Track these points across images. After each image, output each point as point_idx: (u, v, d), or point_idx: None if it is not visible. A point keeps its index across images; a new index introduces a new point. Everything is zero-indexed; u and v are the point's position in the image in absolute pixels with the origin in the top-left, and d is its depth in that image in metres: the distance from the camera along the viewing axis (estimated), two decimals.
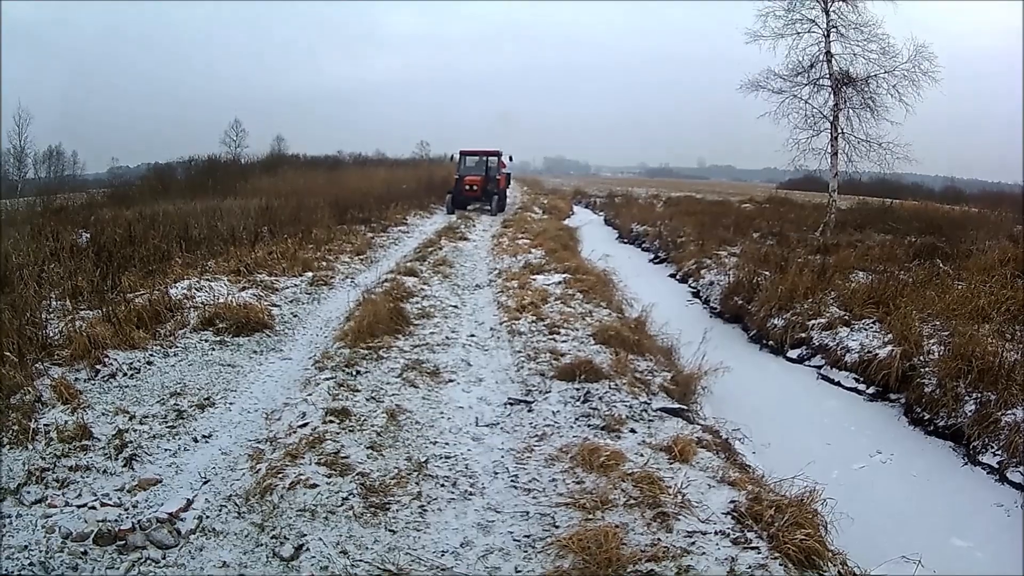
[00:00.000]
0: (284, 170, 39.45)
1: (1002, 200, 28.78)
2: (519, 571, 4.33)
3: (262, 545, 4.80)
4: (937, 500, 6.76)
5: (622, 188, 55.72)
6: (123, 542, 4.92)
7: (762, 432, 7.21)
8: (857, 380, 9.89)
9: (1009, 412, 7.57)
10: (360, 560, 4.50)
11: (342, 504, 5.11)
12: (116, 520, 5.09)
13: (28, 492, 5.47)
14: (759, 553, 4.31)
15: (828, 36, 21.62)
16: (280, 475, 5.53)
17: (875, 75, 21.23)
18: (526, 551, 4.55)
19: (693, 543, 4.40)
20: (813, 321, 11.55)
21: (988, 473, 7.29)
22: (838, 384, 10.06)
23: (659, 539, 4.43)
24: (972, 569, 4.47)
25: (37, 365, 7.66)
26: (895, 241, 18.16)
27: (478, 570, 4.38)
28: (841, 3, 21.42)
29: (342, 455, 5.83)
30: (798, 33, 21.72)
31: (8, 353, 7.55)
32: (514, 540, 4.70)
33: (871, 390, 9.56)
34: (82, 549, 4.81)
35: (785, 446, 7.04)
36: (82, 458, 6.04)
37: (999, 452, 7.33)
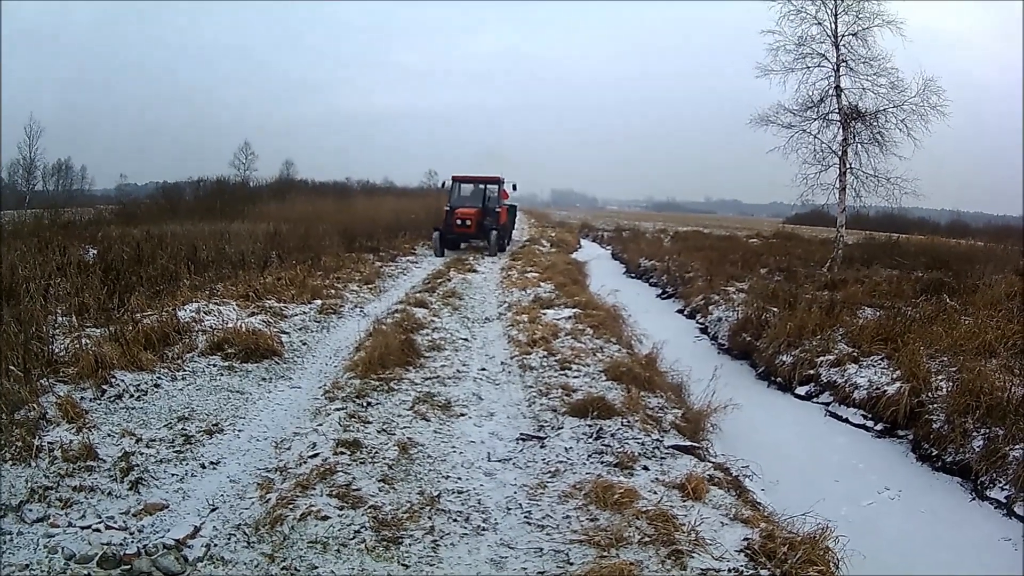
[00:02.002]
0: (292, 195, 39.88)
1: (1008, 233, 28.91)
2: None
3: None
4: (945, 535, 6.78)
5: (629, 222, 55.88)
6: (128, 567, 4.91)
7: (771, 469, 7.21)
8: (865, 417, 9.87)
9: (1017, 447, 7.58)
10: None
11: (354, 537, 5.10)
12: (121, 544, 5.11)
13: (30, 510, 5.50)
14: None
15: (838, 70, 21.81)
16: (291, 506, 5.51)
17: (884, 109, 21.38)
18: None
19: None
20: (821, 358, 11.55)
21: (996, 508, 7.31)
22: (846, 421, 10.05)
23: (673, 573, 4.45)
24: None
25: (42, 381, 7.69)
26: (902, 276, 18.23)
27: None
28: (851, 37, 21.63)
29: (354, 487, 5.83)
30: (808, 67, 21.99)
31: (12, 368, 7.57)
32: None
33: (879, 427, 9.56)
34: (85, 572, 4.82)
35: (794, 483, 7.07)
36: (86, 479, 6.07)
37: (1007, 487, 7.34)
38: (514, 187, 30.46)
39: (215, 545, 5.13)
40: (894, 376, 10.02)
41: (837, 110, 21.88)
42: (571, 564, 4.75)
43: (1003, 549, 6.52)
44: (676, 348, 11.27)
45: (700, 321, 17.30)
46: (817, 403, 10.90)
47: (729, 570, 4.58)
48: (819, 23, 21.81)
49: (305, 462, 6.39)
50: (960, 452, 8.17)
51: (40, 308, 9.86)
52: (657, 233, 41.59)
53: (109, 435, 6.92)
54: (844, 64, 21.76)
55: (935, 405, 8.98)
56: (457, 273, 19.58)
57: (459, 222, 27.23)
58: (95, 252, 16.10)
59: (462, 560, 4.91)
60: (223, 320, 11.14)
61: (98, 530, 5.31)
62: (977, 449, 7.94)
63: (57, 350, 8.66)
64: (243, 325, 10.76)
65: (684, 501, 5.65)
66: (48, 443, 6.47)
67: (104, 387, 8.10)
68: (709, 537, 5.00)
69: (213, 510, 5.68)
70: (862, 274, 19.38)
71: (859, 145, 21.74)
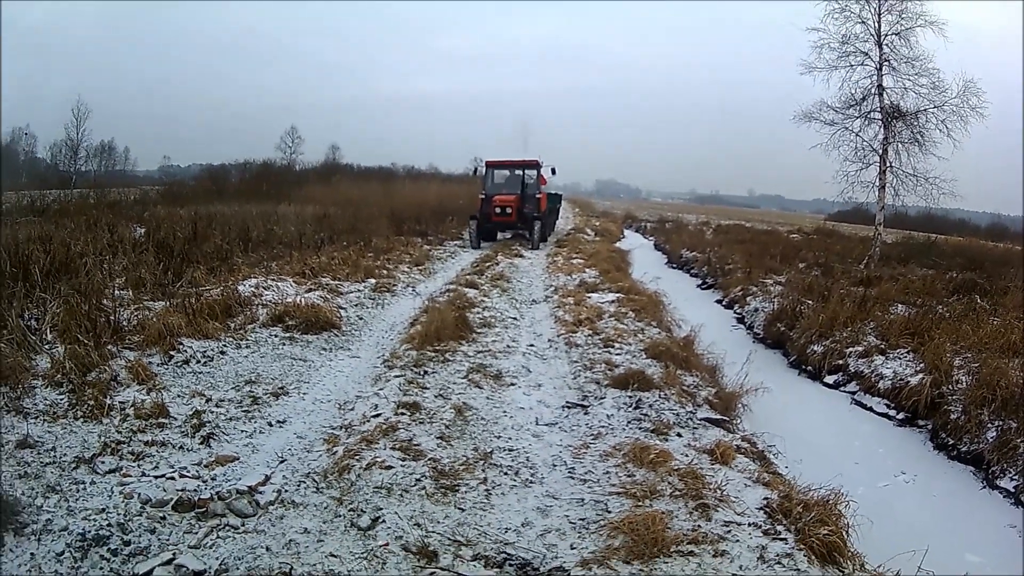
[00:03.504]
0: (338, 179, 40.33)
1: None
2: (574, 548, 4.91)
3: (340, 516, 5.25)
4: (954, 519, 7.08)
5: (672, 214, 55.71)
6: (203, 509, 5.29)
7: (795, 449, 7.58)
8: (888, 406, 10.26)
9: None
10: (432, 532, 4.98)
11: (415, 484, 5.67)
12: (195, 490, 5.50)
13: (102, 462, 5.88)
14: (786, 544, 4.90)
15: (880, 69, 21.93)
16: (357, 457, 6.08)
17: (925, 109, 21.46)
18: (580, 532, 5.14)
19: (729, 531, 5.03)
20: (851, 349, 11.95)
21: (1004, 497, 7.61)
22: (870, 409, 10.44)
23: (699, 526, 5.06)
24: None
25: (109, 347, 8.20)
26: (936, 276, 18.36)
27: (537, 547, 4.94)
28: (894, 37, 21.75)
29: (414, 443, 6.41)
30: (851, 66, 22.10)
31: (79, 336, 8.06)
32: (570, 523, 5.29)
33: (900, 416, 9.94)
34: (161, 514, 5.15)
35: (816, 462, 7.28)
36: (158, 434, 6.52)
37: (1016, 477, 7.69)
38: (553, 171, 27.84)
39: (286, 491, 5.62)
40: (918, 368, 10.39)
41: (879, 109, 22.01)
42: (609, 512, 5.35)
43: (1007, 534, 6.84)
44: (713, 334, 11.63)
45: (737, 311, 17.71)
46: (844, 392, 11.29)
47: (749, 524, 5.17)
48: (863, 22, 21.97)
49: (368, 421, 6.97)
50: (974, 442, 8.52)
51: (99, 282, 10.34)
52: (699, 225, 41.71)
53: (179, 396, 7.45)
54: (887, 63, 21.88)
55: (954, 397, 9.36)
56: (504, 258, 20.04)
57: (498, 210, 25.16)
58: (143, 231, 16.61)
59: (512, 507, 5.50)
60: (282, 295, 11.84)
61: (172, 478, 5.74)
62: (990, 440, 8.30)
63: (121, 320, 9.19)
64: (302, 300, 11.40)
65: (712, 464, 6.23)
66: (119, 402, 6.97)
67: (172, 353, 8.66)
68: (733, 495, 5.58)
69: (282, 462, 6.20)
70: (897, 272, 19.54)
71: (899, 144, 21.89)
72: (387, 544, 4.83)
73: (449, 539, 4.94)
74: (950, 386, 9.63)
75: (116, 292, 10.24)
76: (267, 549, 4.77)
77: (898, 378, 10.52)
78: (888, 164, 21.84)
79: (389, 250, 19.78)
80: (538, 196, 26.75)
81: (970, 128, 20.67)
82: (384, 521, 5.14)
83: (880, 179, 21.90)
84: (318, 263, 15.56)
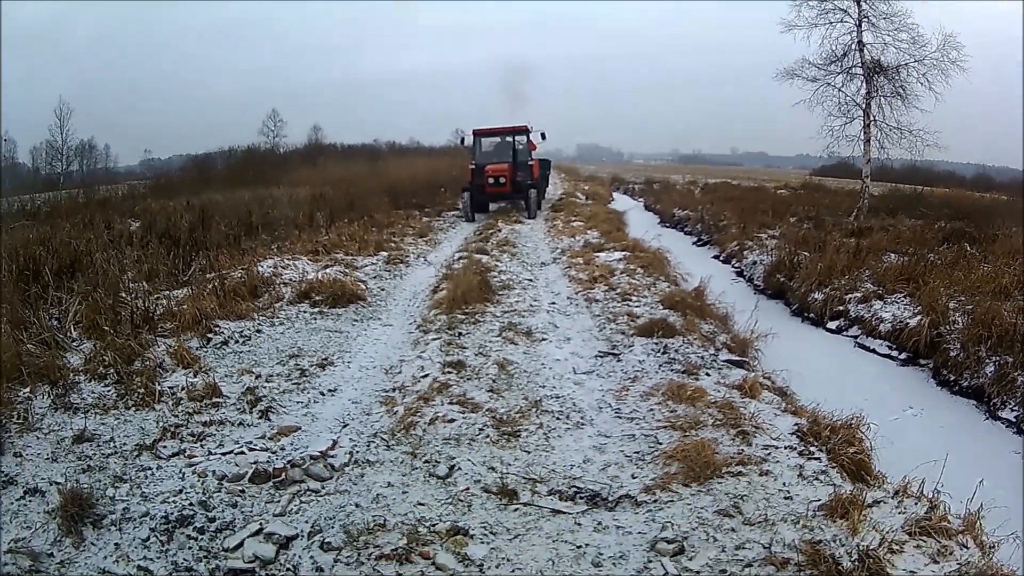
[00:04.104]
0: (323, 159, 40.06)
1: None
2: (635, 477, 5.42)
3: (417, 468, 5.61)
4: (962, 447, 7.18)
5: (658, 175, 55.76)
6: (280, 479, 5.50)
7: (807, 389, 7.89)
8: (890, 347, 10.73)
9: None
10: (507, 473, 5.41)
11: (479, 433, 6.15)
12: (267, 462, 5.71)
13: (164, 447, 6.00)
14: (820, 462, 5.47)
15: (860, 26, 22.20)
16: (418, 414, 6.52)
17: (905, 64, 21.81)
18: (637, 463, 5.65)
19: (769, 454, 5.60)
20: (850, 295, 12.43)
21: (1007, 426, 8.08)
22: (873, 351, 10.91)
23: (743, 450, 5.62)
24: (991, 499, 5.26)
25: (144, 336, 8.30)
26: (926, 226, 18.69)
27: (602, 479, 5.43)
28: None
29: (468, 397, 6.88)
30: (831, 23, 22.37)
31: (108, 328, 8.21)
32: (626, 456, 5.80)
33: (903, 356, 10.40)
34: (239, 488, 5.35)
35: (828, 400, 7.33)
36: (215, 414, 6.71)
37: (1016, 408, 8.13)
38: (543, 136, 26.19)
39: (357, 452, 5.93)
40: (915, 311, 10.84)
41: (860, 64, 22.36)
42: (660, 444, 5.89)
43: (1012, 459, 7.29)
44: (716, 288, 11.97)
45: (735, 265, 18.17)
46: (847, 336, 11.80)
47: (785, 446, 5.75)
48: None
49: (419, 381, 7.41)
50: (975, 377, 9.02)
51: (113, 275, 10.41)
52: (687, 185, 41.98)
53: (227, 375, 7.67)
54: (866, 19, 22.15)
55: (952, 336, 9.84)
56: (506, 224, 20.32)
57: (491, 180, 23.97)
58: (138, 225, 16.87)
59: (570, 447, 6.00)
60: (301, 273, 12.17)
61: (241, 453, 5.92)
62: (989, 375, 8.79)
63: (145, 308, 9.24)
64: (323, 276, 11.79)
65: (743, 398, 6.80)
66: (169, 387, 7.14)
67: (209, 336, 8.93)
68: (767, 423, 6.17)
69: (344, 427, 6.53)
70: (887, 223, 19.91)
71: (882, 98, 22.22)
72: (468, 488, 5.27)
73: (523, 478, 5.42)
74: (947, 326, 10.08)
75: (131, 285, 10.37)
76: (356, 506, 5.10)
77: (897, 321, 10.98)
78: (872, 118, 22.19)
79: (391, 224, 20.11)
80: (530, 163, 25.53)
81: (952, 81, 21.07)
82: (460, 468, 5.57)
83: (865, 133, 22.28)
84: (328, 240, 15.95)
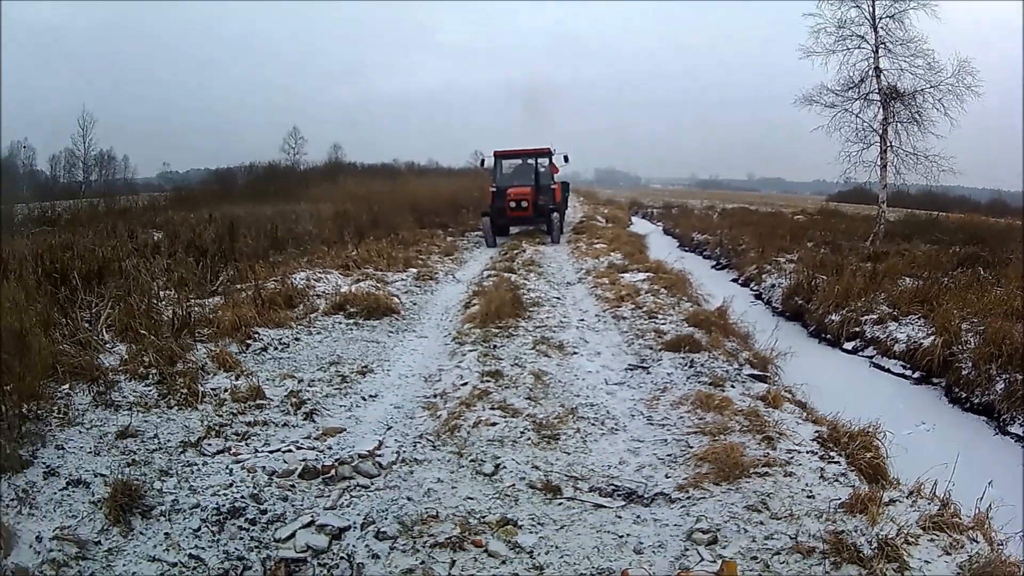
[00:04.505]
0: (343, 177, 40.24)
1: None
2: (668, 477, 5.85)
3: (464, 466, 5.96)
4: (973, 460, 7.28)
5: (675, 199, 55.90)
6: (329, 475, 5.78)
7: (825, 405, 8.00)
8: (904, 367, 11.08)
9: None
10: (550, 471, 5.83)
11: (521, 436, 6.56)
12: (315, 459, 6.00)
13: (209, 444, 6.27)
14: (840, 466, 5.90)
15: (877, 52, 22.36)
16: (462, 417, 6.91)
17: (921, 90, 21.89)
18: (670, 465, 6.08)
19: (792, 457, 6.02)
20: (865, 317, 12.82)
21: (1016, 441, 8.43)
22: (888, 371, 11.28)
23: (768, 453, 6.05)
24: (999, 502, 5.56)
25: (184, 340, 8.61)
26: (940, 250, 18.84)
27: (637, 478, 5.86)
28: (889, 20, 22.18)
29: (508, 403, 7.28)
30: (848, 49, 22.50)
31: (145, 332, 8.40)
32: (658, 458, 6.23)
33: (916, 375, 10.75)
34: (290, 483, 5.64)
35: (845, 415, 7.53)
36: (259, 415, 7.02)
37: None
38: (566, 159, 25.58)
39: (404, 451, 6.26)
40: (929, 332, 11.19)
41: (877, 90, 22.46)
42: (691, 447, 6.33)
43: (1021, 471, 7.54)
44: (735, 310, 12.23)
45: (754, 288, 18.56)
46: (862, 356, 12.19)
47: (807, 451, 6.18)
48: (857, 6, 22.38)
49: (459, 388, 7.81)
50: (986, 395, 9.37)
51: (145, 282, 10.70)
52: (705, 210, 42.01)
53: (269, 379, 7.97)
54: (883, 46, 22.32)
55: (964, 355, 10.17)
56: (529, 245, 20.67)
57: (513, 204, 23.22)
58: (161, 235, 17.18)
59: (606, 450, 6.42)
60: (334, 286, 12.67)
61: (289, 451, 6.20)
62: (1000, 392, 9.15)
63: (187, 313, 9.59)
64: (356, 289, 12.26)
65: (767, 408, 7.23)
66: (211, 389, 7.41)
67: (248, 342, 9.32)
68: (789, 430, 6.62)
69: (388, 429, 6.87)
70: (902, 248, 20.11)
71: (898, 124, 22.30)
72: (514, 485, 5.67)
73: (565, 476, 5.84)
74: (960, 346, 10.40)
75: (161, 292, 10.68)
76: (408, 499, 5.40)
77: (912, 341, 11.34)
78: (888, 144, 22.31)
79: (417, 242, 20.53)
80: (553, 186, 24.88)
81: (967, 106, 21.14)
82: (505, 467, 5.94)
83: (881, 158, 22.37)
84: (358, 256, 16.41)
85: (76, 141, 48.68)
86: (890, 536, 4.49)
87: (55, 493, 5.18)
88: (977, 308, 11.62)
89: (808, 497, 5.35)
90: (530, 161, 25.32)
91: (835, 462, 6.01)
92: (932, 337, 10.95)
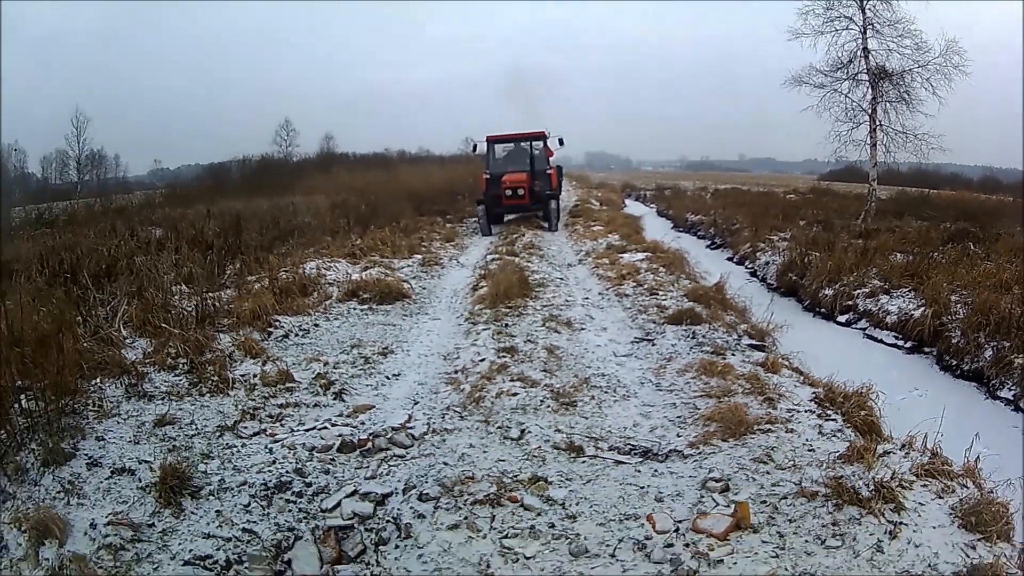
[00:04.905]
0: (336, 168, 39.78)
1: None
2: (679, 436, 6.35)
3: (492, 433, 6.44)
4: (965, 422, 7.48)
5: (668, 181, 56.10)
6: (366, 448, 6.16)
7: (820, 372, 8.30)
8: (896, 337, 11.53)
9: (1021, 356, 9.10)
10: (572, 434, 6.33)
11: (541, 404, 7.03)
12: (351, 435, 6.34)
13: (245, 427, 6.56)
14: (836, 423, 6.41)
15: (865, 33, 22.44)
16: (484, 390, 7.37)
17: (909, 70, 22.05)
18: (680, 426, 6.59)
19: (792, 415, 6.52)
20: (858, 291, 13.27)
21: (1005, 405, 8.85)
22: (880, 341, 11.74)
23: (770, 412, 6.55)
24: (991, 464, 5.96)
25: (207, 330, 8.81)
26: (931, 227, 19.12)
27: (651, 438, 6.35)
28: (876, 1, 22.33)
29: (526, 375, 7.74)
30: (836, 30, 22.61)
31: (163, 324, 8.59)
32: (669, 420, 6.73)
33: (908, 345, 11.21)
34: (329, 457, 6.01)
35: (839, 381, 7.94)
36: (289, 397, 7.34)
37: (1013, 387, 8.91)
38: (560, 142, 24.29)
39: (434, 423, 6.69)
40: (920, 304, 11.63)
41: (865, 70, 22.65)
42: (698, 409, 6.83)
43: (1011, 433, 7.94)
44: (731, 286, 12.53)
45: (748, 266, 19.00)
46: (856, 328, 12.66)
47: (806, 410, 6.69)
48: None
49: (478, 364, 8.25)
50: (975, 362, 9.83)
51: (156, 278, 10.80)
52: (697, 191, 42.41)
53: (295, 363, 8.29)
54: (871, 27, 22.44)
55: (954, 325, 10.62)
56: (528, 230, 20.83)
57: (508, 192, 22.17)
58: (160, 232, 17.09)
59: (620, 414, 6.92)
60: (344, 274, 13.03)
61: (324, 428, 6.53)
62: (989, 358, 9.59)
63: (210, 305, 9.85)
64: (366, 276, 12.66)
65: (766, 373, 7.71)
66: (240, 375, 7.69)
67: (269, 330, 9.63)
68: (788, 392, 7.13)
69: (415, 404, 7.26)
70: (893, 225, 20.46)
71: (887, 103, 22.51)
72: (540, 447, 6.15)
73: (586, 437, 6.32)
74: (949, 316, 10.85)
75: (172, 287, 10.76)
76: (445, 464, 5.83)
77: (903, 313, 11.78)
78: (878, 123, 22.53)
79: (417, 229, 20.70)
80: (549, 171, 23.58)
81: (955, 85, 21.35)
82: (530, 431, 6.42)
83: (871, 137, 22.59)
84: (363, 244, 16.76)
85: (71, 141, 48.22)
86: (886, 479, 4.93)
87: (101, 482, 5.37)
88: (966, 281, 11.99)
89: (809, 450, 5.82)
90: (524, 145, 24.45)
91: (832, 420, 6.50)
92: (922, 308, 11.38)
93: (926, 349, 11.00)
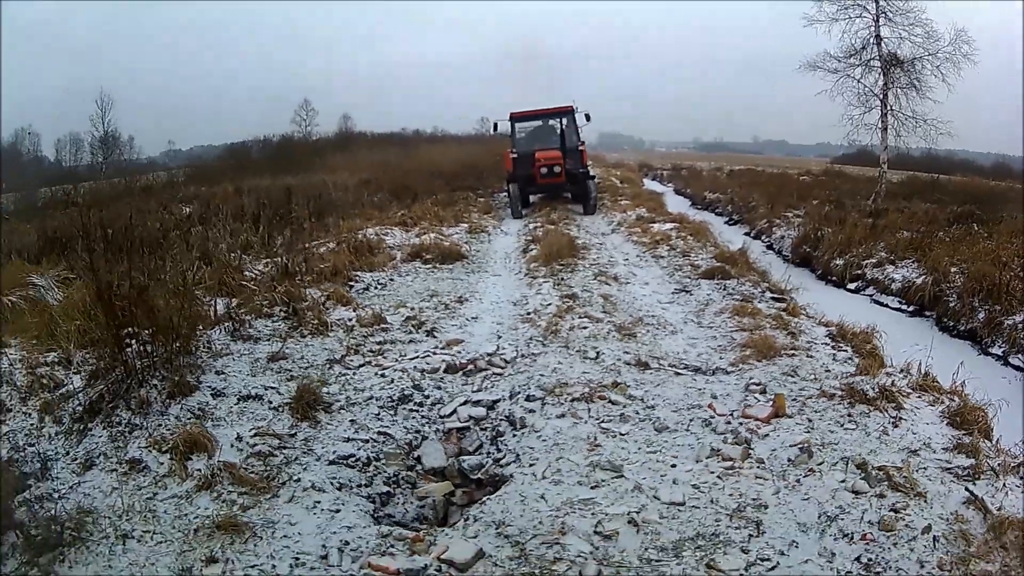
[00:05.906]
0: (355, 147, 41.09)
1: None
2: (722, 359, 7.74)
3: (572, 355, 7.59)
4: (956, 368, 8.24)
5: (683, 162, 56.90)
6: (468, 369, 7.23)
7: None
8: (900, 302, 12.74)
9: (1010, 318, 10.16)
10: (637, 355, 7.65)
11: (608, 335, 8.41)
12: (452, 360, 7.42)
13: (351, 360, 7.43)
14: (847, 352, 7.87)
15: (878, 20, 22.92)
16: (558, 325, 8.67)
17: (920, 57, 22.54)
18: (721, 352, 7.99)
19: (811, 345, 8.02)
20: (866, 261, 14.49)
21: (996, 360, 9.87)
22: (886, 306, 12.93)
23: (793, 342, 8.02)
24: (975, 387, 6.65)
25: (296, 285, 9.61)
26: (939, 209, 19.95)
27: (699, 361, 7.71)
28: None
29: (590, 314, 9.13)
30: (850, 18, 23.04)
31: (244, 283, 9.39)
32: (711, 348, 8.15)
33: (911, 309, 12.42)
34: (439, 377, 7.06)
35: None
36: (386, 336, 8.30)
37: (1003, 345, 10.00)
38: (587, 118, 21.72)
39: (520, 349, 7.83)
40: (922, 273, 12.80)
41: (877, 57, 23.12)
42: (735, 339, 8.27)
43: (1002, 384, 8.51)
44: (751, 254, 13.74)
45: (765, 240, 20.12)
46: (864, 295, 13.87)
47: (821, 342, 8.19)
48: None
49: (546, 308, 9.57)
50: (970, 323, 10.97)
51: (219, 248, 11.57)
52: (713, 171, 43.01)
53: (384, 309, 9.28)
54: (883, 15, 22.92)
55: (951, 291, 11.79)
56: (559, 203, 21.46)
57: (544, 170, 20.13)
58: (190, 209, 18.26)
59: (671, 345, 8.28)
60: (401, 240, 14.26)
61: (428, 356, 7.55)
62: (981, 320, 10.72)
63: (294, 263, 10.64)
64: (424, 240, 13.94)
65: (787, 316, 9.19)
66: (335, 320, 8.65)
67: (350, 284, 10.66)
68: (807, 329, 8.62)
69: (499, 338, 8.37)
70: (903, 206, 21.28)
71: (898, 89, 23.00)
72: (614, 364, 7.46)
73: (650, 357, 7.71)
74: (948, 284, 12.00)
75: (230, 255, 11.28)
76: (540, 375, 6.97)
77: (906, 280, 12.99)
78: (889, 108, 23.09)
79: (454, 203, 21.34)
80: (580, 148, 21.55)
81: (964, 73, 21.82)
82: (603, 353, 7.70)
83: (882, 121, 23.12)
84: (412, 214, 18.02)
85: (96, 122, 48.12)
86: (887, 385, 6.39)
87: (232, 407, 6.11)
88: (966, 256, 12.90)
89: (826, 371, 7.21)
90: (551, 122, 22.60)
91: (844, 350, 7.94)
92: (924, 277, 12.55)
93: (927, 312, 12.09)
